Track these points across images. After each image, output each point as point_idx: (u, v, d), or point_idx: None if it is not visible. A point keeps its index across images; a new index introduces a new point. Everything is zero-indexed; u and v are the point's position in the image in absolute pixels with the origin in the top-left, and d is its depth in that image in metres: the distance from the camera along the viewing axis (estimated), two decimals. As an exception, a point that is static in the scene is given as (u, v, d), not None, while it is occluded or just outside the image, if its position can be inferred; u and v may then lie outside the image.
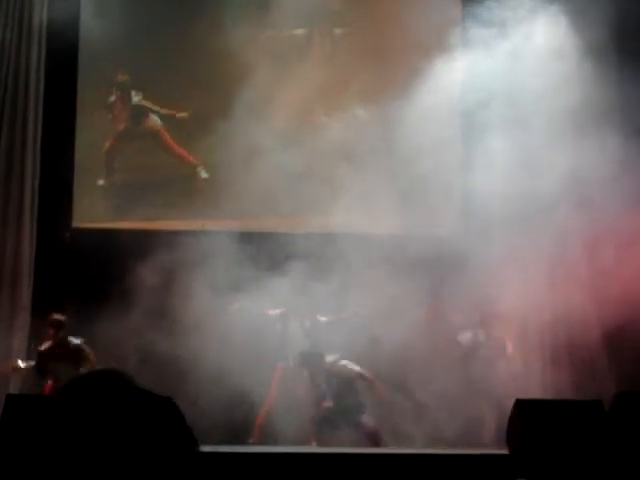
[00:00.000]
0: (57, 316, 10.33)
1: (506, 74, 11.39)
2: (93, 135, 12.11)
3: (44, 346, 10.29)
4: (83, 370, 10.21)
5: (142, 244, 11.32)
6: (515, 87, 11.45)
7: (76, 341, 10.28)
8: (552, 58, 11.37)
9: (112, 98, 12.20)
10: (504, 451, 8.55)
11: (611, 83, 11.38)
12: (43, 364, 10.23)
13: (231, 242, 10.94)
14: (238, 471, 7.84)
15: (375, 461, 8.73)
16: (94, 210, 12.03)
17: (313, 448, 10.01)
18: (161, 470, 1.80)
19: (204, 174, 12.20)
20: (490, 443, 10.85)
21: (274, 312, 11.08)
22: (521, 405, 8.34)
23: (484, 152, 11.19)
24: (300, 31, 12.19)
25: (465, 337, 11.14)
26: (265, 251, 10.95)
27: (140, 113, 12.23)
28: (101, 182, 12.07)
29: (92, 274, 10.92)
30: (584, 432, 7.25)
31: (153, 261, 10.98)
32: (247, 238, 11.06)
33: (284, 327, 11.11)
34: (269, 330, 11.05)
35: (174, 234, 11.55)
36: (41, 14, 11.64)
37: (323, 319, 11.04)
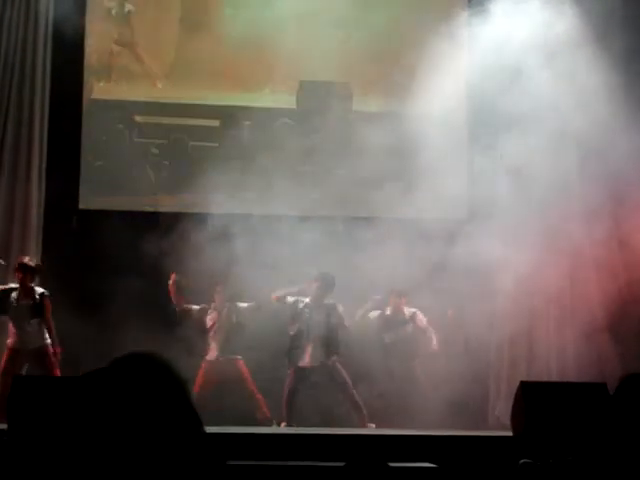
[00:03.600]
0: (25, 260, 10.25)
1: (512, 63, 11.34)
2: (98, 116, 12.13)
3: (6, 286, 10.27)
4: (33, 321, 10.17)
5: (150, 225, 11.34)
6: (522, 76, 11.40)
7: (40, 290, 10.23)
8: (558, 42, 11.31)
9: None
10: (508, 432, 8.64)
11: (617, 64, 11.36)
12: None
13: (234, 225, 10.94)
14: (246, 452, 7.88)
15: (377, 441, 8.77)
16: (100, 191, 12.05)
17: (315, 429, 10.06)
18: (165, 451, 1.81)
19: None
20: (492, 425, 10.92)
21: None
22: (526, 387, 8.40)
23: (489, 139, 11.18)
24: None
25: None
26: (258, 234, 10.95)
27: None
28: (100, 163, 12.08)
29: (99, 256, 10.91)
30: (588, 414, 7.29)
31: (162, 242, 11.01)
32: (254, 220, 11.04)
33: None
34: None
35: (180, 215, 11.57)
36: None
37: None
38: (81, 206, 11.92)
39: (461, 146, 11.81)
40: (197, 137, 12.37)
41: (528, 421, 8.05)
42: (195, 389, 10.57)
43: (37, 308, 10.17)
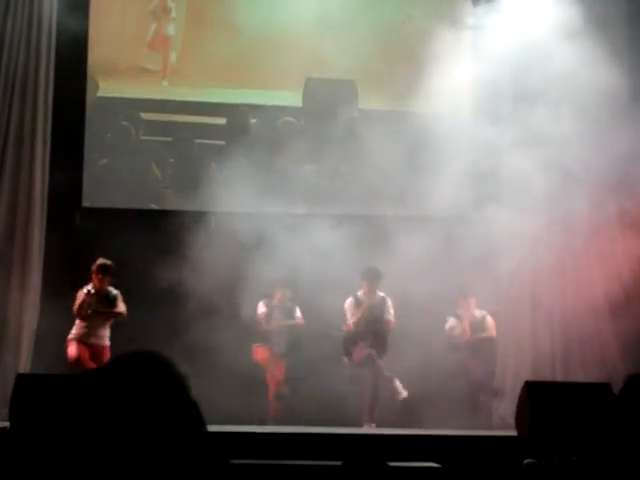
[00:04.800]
0: (101, 261, 10.27)
1: (516, 54, 11.33)
2: (104, 113, 12.15)
3: (85, 289, 10.23)
4: (106, 324, 10.28)
5: (153, 224, 11.36)
6: (526, 67, 11.38)
7: (114, 292, 10.29)
8: (563, 36, 11.27)
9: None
10: (512, 432, 8.62)
11: (623, 59, 11.35)
12: (81, 306, 10.24)
13: (239, 223, 10.92)
14: (246, 451, 7.88)
15: (381, 441, 8.76)
16: (105, 189, 12.05)
17: (321, 429, 10.04)
18: (167, 450, 1.80)
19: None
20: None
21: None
22: (530, 387, 8.40)
23: (495, 134, 11.15)
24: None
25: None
26: (267, 232, 10.96)
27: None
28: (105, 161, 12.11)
29: (103, 254, 10.88)
30: (592, 414, 7.28)
31: (163, 241, 11.03)
32: (252, 219, 11.04)
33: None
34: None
35: (184, 214, 11.57)
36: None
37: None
38: (84, 204, 11.92)
39: (466, 139, 11.78)
40: (203, 135, 12.38)
41: (533, 421, 8.05)
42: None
43: (106, 305, 10.31)
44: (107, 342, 10.26)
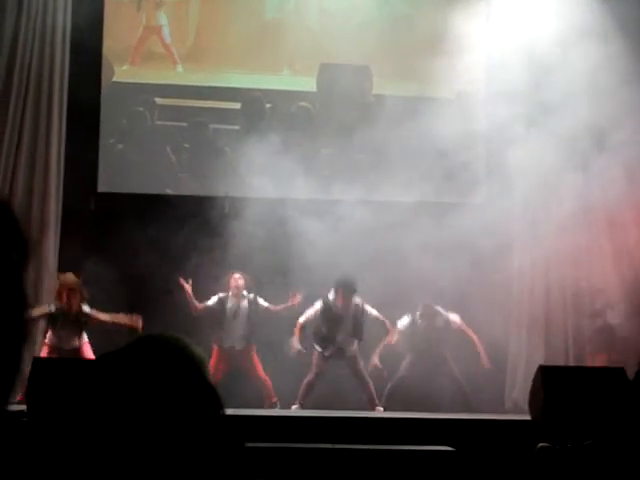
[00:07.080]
0: (73, 281, 10.23)
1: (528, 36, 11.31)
2: (119, 99, 12.16)
3: (54, 307, 10.22)
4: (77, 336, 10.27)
5: (168, 209, 11.38)
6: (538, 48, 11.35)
7: (87, 310, 10.22)
8: (575, 19, 11.23)
9: None
10: (525, 416, 8.63)
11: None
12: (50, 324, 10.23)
13: (254, 208, 10.93)
14: (263, 436, 7.90)
15: (395, 425, 8.77)
16: (120, 174, 12.07)
17: (335, 412, 10.05)
18: (185, 433, 1.81)
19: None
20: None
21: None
22: (544, 371, 8.40)
23: (508, 124, 11.12)
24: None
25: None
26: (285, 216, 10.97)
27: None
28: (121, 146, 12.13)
29: (118, 239, 10.91)
30: (606, 399, 7.28)
31: (178, 226, 11.05)
32: (266, 204, 11.04)
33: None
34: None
35: (198, 199, 11.59)
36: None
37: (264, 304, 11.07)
38: (100, 189, 11.94)
39: (479, 127, 11.75)
40: (218, 120, 12.37)
41: (546, 405, 8.05)
42: None
43: (83, 327, 10.28)
44: (82, 342, 10.24)
